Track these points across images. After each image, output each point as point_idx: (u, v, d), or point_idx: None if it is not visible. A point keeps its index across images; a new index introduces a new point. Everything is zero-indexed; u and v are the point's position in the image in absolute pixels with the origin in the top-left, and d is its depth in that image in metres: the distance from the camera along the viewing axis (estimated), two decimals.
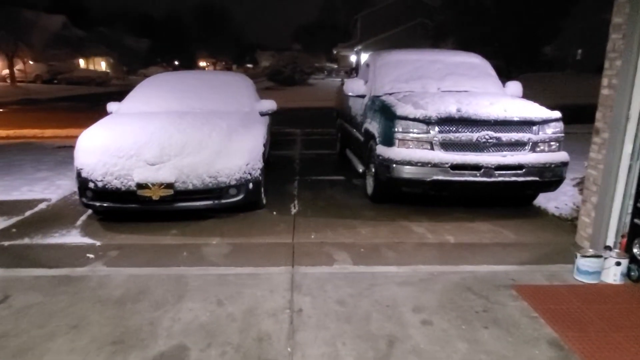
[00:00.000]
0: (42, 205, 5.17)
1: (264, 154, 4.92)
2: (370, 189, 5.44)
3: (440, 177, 4.51)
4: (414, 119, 4.58)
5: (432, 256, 3.84)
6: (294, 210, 5.04)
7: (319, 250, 3.95)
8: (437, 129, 4.56)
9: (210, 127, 4.58)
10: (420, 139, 4.58)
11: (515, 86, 6.07)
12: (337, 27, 60.51)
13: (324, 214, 4.93)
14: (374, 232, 4.40)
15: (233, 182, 4.38)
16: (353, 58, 44.76)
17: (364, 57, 38.72)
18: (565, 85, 21.65)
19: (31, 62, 34.73)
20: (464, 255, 3.85)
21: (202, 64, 59.50)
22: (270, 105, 5.73)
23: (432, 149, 4.57)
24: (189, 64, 51.46)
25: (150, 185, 4.14)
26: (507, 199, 5.26)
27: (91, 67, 43.36)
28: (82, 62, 42.67)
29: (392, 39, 33.86)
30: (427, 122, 4.55)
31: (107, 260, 3.74)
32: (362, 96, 6.00)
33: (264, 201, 5.07)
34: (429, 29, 32.24)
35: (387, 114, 4.92)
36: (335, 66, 51.11)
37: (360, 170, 5.98)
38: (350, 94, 6.06)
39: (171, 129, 4.48)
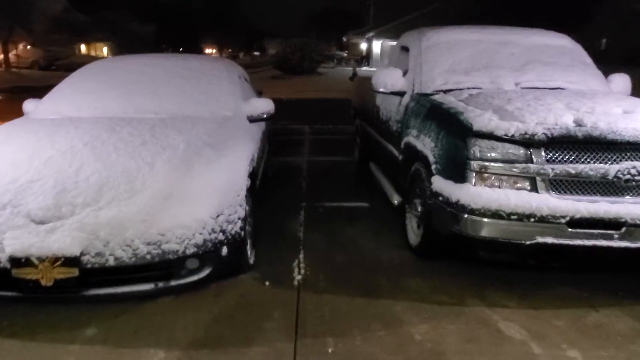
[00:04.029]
0: None
1: (250, 188, 3.04)
2: (414, 236, 3.56)
3: (549, 240, 2.62)
4: (505, 138, 2.68)
5: None
6: (297, 276, 3.18)
7: None
8: (544, 155, 2.66)
9: (156, 149, 2.70)
10: (516, 172, 2.69)
11: (622, 80, 4.17)
12: (348, 13, 58.10)
13: (344, 284, 3.07)
14: (435, 335, 2.53)
15: (191, 250, 2.48)
16: (364, 46, 42.55)
17: (376, 44, 36.55)
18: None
19: (28, 47, 33.01)
20: None
21: (208, 50, 57.55)
22: (263, 106, 3.77)
23: (534, 190, 2.67)
24: (195, 50, 49.52)
25: (36, 261, 2.27)
26: None
27: (93, 53, 41.52)
28: (83, 48, 40.87)
29: (407, 26, 31.64)
30: (527, 142, 2.65)
31: None
32: (400, 93, 4.09)
33: (252, 260, 3.22)
34: (449, 14, 30.02)
35: (451, 125, 3.02)
36: (345, 54, 48.78)
37: (396, 202, 4.07)
38: (382, 90, 4.13)
39: (85, 153, 2.59)
